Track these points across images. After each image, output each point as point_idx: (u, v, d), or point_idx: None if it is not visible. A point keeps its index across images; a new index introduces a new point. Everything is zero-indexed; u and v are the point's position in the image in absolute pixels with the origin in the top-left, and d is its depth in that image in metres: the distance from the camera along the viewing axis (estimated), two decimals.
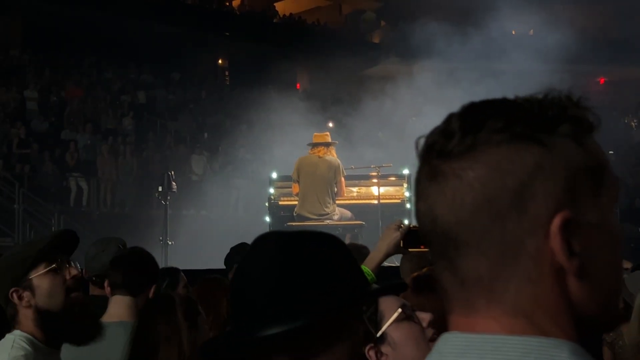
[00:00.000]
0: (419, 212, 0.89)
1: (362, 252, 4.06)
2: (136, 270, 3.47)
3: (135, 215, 17.26)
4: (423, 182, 0.88)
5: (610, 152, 22.17)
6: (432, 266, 0.91)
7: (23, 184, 16.22)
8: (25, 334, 2.36)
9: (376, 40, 31.17)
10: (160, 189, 12.47)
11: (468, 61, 17.55)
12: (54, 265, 2.40)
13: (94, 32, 23.39)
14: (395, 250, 2.77)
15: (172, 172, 12.81)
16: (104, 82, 22.83)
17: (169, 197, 12.38)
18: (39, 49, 22.86)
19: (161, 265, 4.23)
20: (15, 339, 2.35)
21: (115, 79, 23.19)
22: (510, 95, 0.88)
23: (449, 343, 0.87)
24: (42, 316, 2.36)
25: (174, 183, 12.33)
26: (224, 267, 5.32)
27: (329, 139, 9.68)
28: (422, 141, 0.89)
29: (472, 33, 19.06)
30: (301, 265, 1.34)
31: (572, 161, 0.84)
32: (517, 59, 17.25)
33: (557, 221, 0.82)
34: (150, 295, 3.40)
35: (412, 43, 23.05)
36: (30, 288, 2.36)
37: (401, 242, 2.76)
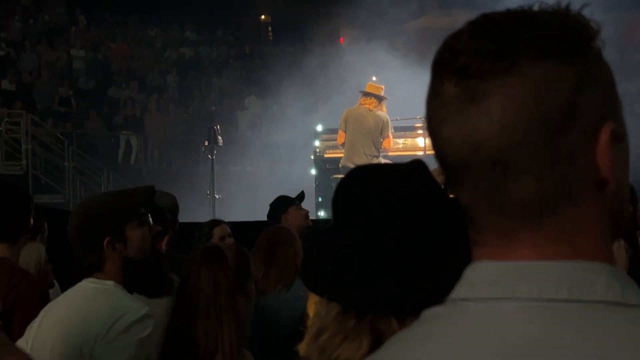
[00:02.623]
0: (448, 141, 0.81)
1: None
2: None
3: (182, 171, 17.45)
4: (454, 105, 0.80)
5: None
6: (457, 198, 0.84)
7: (72, 142, 16.48)
8: (118, 285, 2.44)
9: None
10: (206, 143, 12.57)
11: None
12: (145, 219, 2.52)
13: None
14: None
15: (218, 127, 12.88)
16: (149, 40, 22.94)
17: (215, 152, 12.47)
18: (83, 7, 23.00)
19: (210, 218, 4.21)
20: (118, 290, 2.43)
21: (159, 36, 23.28)
22: None
23: (480, 271, 0.81)
24: (130, 266, 2.46)
25: (219, 137, 12.41)
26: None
27: (382, 93, 9.37)
28: (439, 64, 0.83)
29: None
30: (420, 224, 1.33)
31: (605, 72, 0.82)
32: None
33: (605, 134, 0.79)
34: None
35: None
36: (124, 239, 2.46)
37: (443, 185, 2.77)
